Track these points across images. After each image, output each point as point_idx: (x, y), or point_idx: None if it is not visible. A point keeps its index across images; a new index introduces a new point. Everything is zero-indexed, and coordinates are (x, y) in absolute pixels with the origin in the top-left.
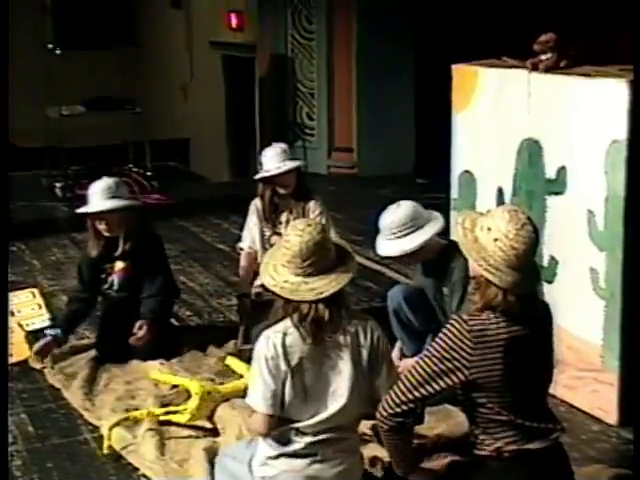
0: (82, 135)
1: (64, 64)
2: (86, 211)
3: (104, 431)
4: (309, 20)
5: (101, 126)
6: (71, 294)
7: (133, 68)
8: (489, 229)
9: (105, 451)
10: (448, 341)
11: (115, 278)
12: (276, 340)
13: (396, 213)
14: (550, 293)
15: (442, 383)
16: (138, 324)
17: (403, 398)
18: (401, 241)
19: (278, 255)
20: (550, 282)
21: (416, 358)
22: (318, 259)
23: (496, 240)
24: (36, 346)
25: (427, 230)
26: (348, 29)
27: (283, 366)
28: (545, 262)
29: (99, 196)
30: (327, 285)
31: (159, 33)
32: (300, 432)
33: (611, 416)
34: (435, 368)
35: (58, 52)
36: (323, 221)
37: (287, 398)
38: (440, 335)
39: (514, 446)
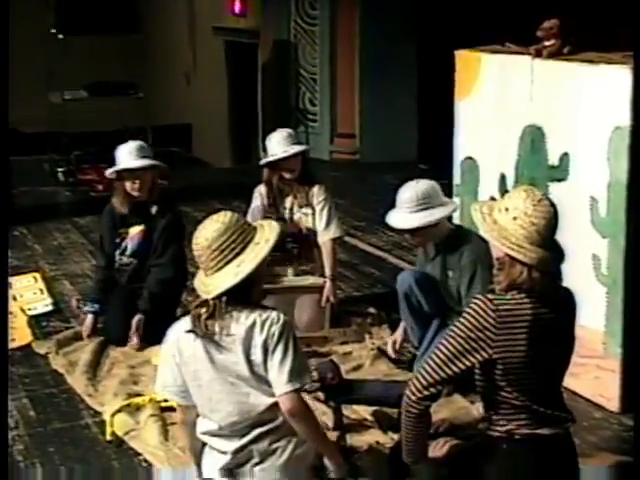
0: (84, 120)
1: (66, 49)
2: (123, 167)
3: (106, 417)
4: (312, 6)
5: (103, 111)
6: (94, 265)
7: (136, 53)
8: (507, 209)
9: (108, 437)
10: (473, 320)
11: (129, 243)
12: (172, 332)
13: (414, 188)
14: None
15: (466, 362)
16: (134, 321)
17: (430, 379)
18: (413, 215)
19: None
20: None
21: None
22: (207, 259)
23: (515, 219)
24: (85, 330)
25: (440, 210)
26: (351, 15)
27: (177, 355)
28: None
29: (133, 155)
30: (215, 285)
31: (162, 18)
32: (223, 437)
33: (613, 403)
34: (459, 347)
35: (60, 37)
36: (326, 209)
37: (188, 384)
38: (464, 314)
39: (526, 430)
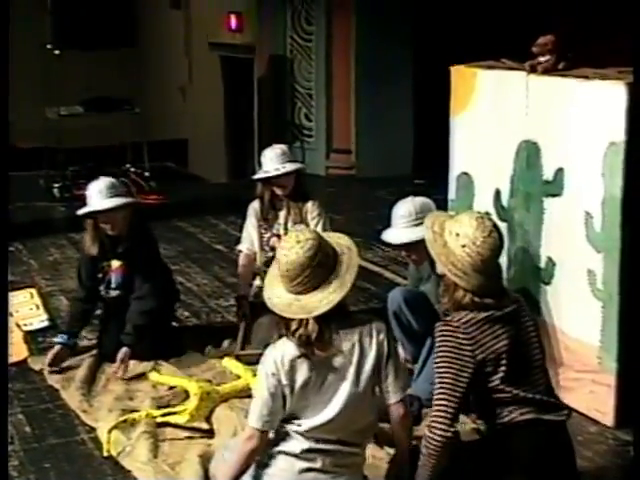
0: (80, 135)
1: (63, 64)
2: (92, 210)
3: (101, 434)
4: (308, 21)
5: (99, 127)
6: (71, 296)
7: (132, 69)
8: (457, 235)
9: (105, 454)
10: (447, 343)
11: (112, 276)
12: (276, 356)
13: (410, 203)
14: (547, 294)
15: (464, 378)
16: (120, 355)
17: (447, 418)
18: (411, 230)
19: (275, 268)
20: (547, 283)
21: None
22: (306, 278)
23: (464, 246)
24: (48, 359)
25: None
26: (347, 30)
27: (284, 380)
28: (542, 264)
29: (103, 195)
30: (318, 303)
31: (158, 34)
32: (299, 434)
33: (608, 417)
34: (452, 371)
35: (57, 52)
36: (320, 225)
37: (288, 406)
38: (437, 345)
39: (528, 416)
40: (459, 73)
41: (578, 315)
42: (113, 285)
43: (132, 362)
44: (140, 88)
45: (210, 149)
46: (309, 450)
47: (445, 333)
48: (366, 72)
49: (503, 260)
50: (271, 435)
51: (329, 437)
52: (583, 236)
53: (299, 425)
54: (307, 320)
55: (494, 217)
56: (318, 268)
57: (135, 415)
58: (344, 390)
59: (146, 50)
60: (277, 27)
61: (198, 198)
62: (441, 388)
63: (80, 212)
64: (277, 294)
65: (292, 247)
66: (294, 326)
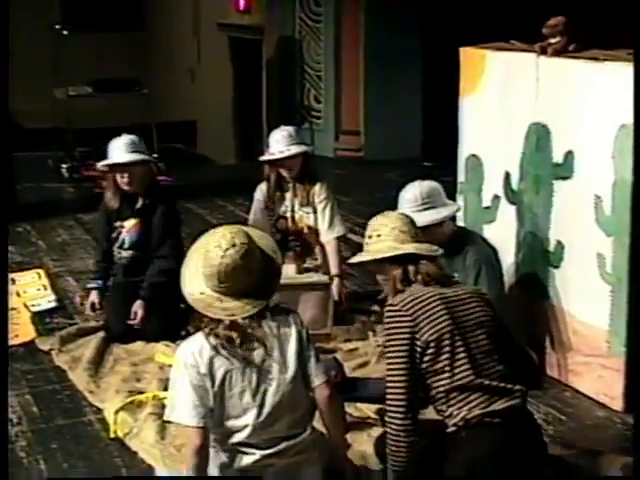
0: (89, 116)
1: (71, 45)
2: (112, 162)
3: (107, 415)
4: (317, 2)
5: (108, 107)
6: (96, 252)
7: (140, 49)
8: (378, 235)
9: (112, 435)
10: (391, 326)
11: (126, 236)
12: (194, 348)
13: (417, 187)
14: (556, 278)
15: (415, 360)
16: (135, 307)
17: (403, 401)
18: (418, 214)
19: (201, 261)
20: (556, 267)
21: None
22: (235, 282)
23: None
24: (89, 305)
25: (445, 209)
26: (356, 11)
27: (203, 370)
28: (552, 247)
29: (123, 149)
30: (241, 308)
31: (166, 15)
32: (246, 445)
33: (616, 402)
34: (400, 354)
35: (65, 33)
36: (328, 207)
37: (213, 400)
38: (385, 327)
39: (478, 410)
40: (468, 55)
41: (587, 299)
42: (126, 245)
43: (140, 343)
44: (148, 69)
45: (218, 131)
46: (262, 458)
47: (389, 315)
48: (375, 53)
49: (512, 244)
50: (224, 457)
51: (275, 435)
52: (593, 219)
53: (242, 430)
54: (227, 321)
55: (503, 200)
56: (248, 274)
57: (142, 396)
58: (273, 381)
59: (155, 31)
60: (286, 8)
61: (206, 180)
62: (392, 376)
63: (100, 164)
64: (200, 290)
65: (227, 249)
66: (213, 325)
